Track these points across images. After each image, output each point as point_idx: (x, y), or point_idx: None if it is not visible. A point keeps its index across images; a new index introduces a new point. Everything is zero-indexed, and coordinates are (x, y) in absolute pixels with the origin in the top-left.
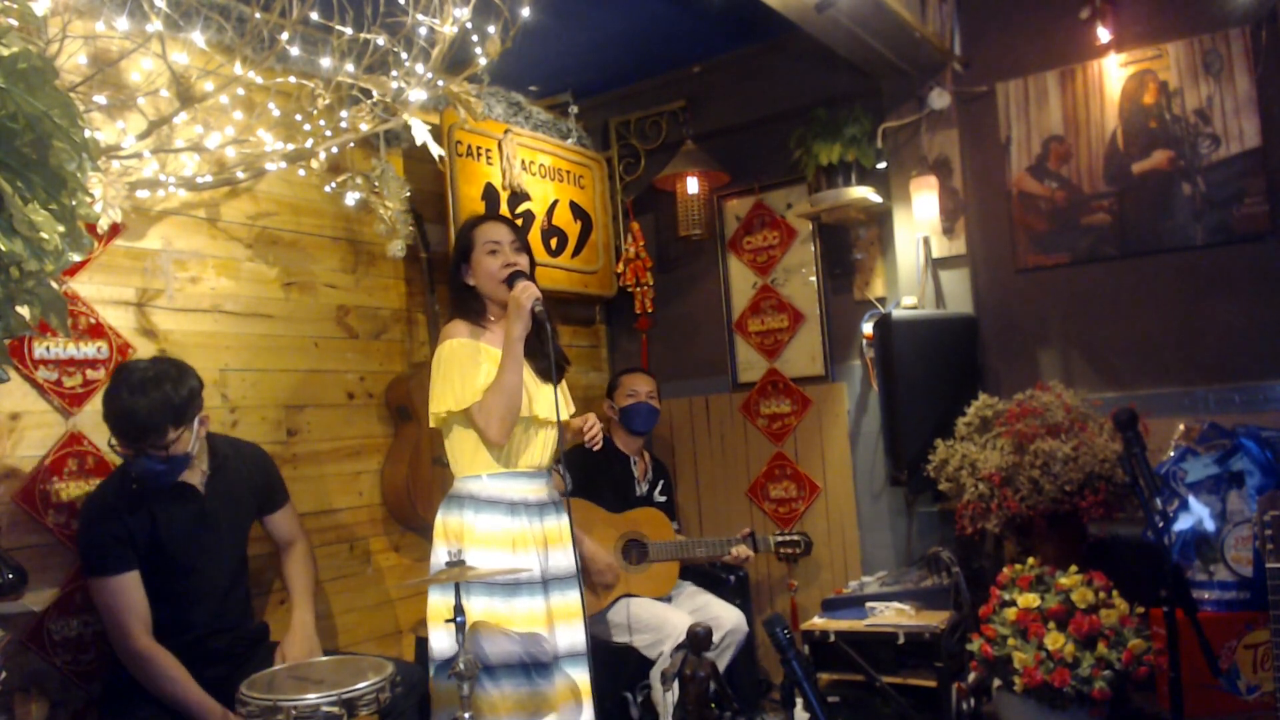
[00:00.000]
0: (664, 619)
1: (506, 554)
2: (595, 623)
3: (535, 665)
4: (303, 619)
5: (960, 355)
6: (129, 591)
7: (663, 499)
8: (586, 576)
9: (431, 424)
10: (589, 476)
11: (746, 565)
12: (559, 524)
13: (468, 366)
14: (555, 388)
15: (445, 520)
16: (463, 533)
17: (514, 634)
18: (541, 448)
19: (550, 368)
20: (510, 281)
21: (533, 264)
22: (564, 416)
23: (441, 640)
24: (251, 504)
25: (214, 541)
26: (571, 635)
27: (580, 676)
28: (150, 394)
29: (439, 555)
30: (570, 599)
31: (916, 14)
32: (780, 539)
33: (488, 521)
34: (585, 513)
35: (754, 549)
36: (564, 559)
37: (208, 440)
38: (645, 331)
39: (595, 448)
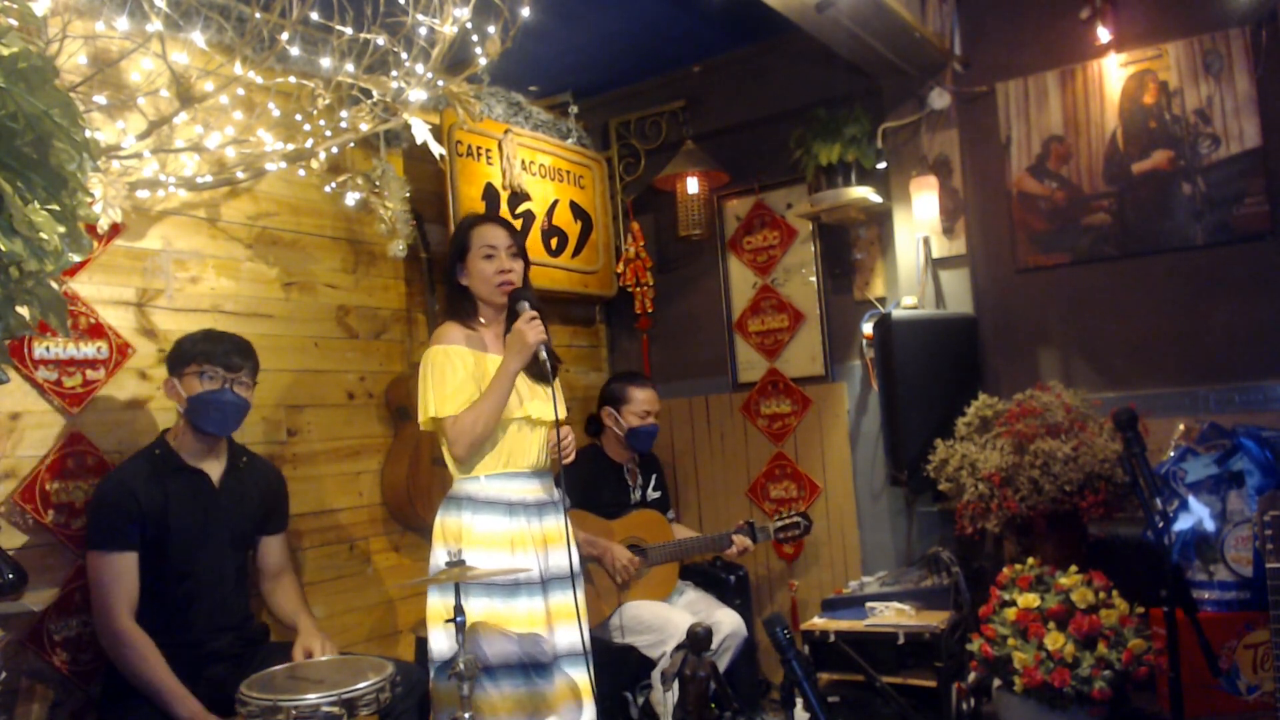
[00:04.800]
0: (665, 619)
1: (505, 554)
2: (597, 625)
3: (534, 666)
4: (311, 624)
5: (960, 355)
6: (123, 571)
7: (656, 494)
8: (610, 576)
9: (422, 427)
10: (584, 488)
11: (746, 558)
12: (558, 524)
13: (448, 374)
14: (556, 407)
15: (444, 521)
16: (461, 534)
17: (513, 634)
18: (538, 448)
19: (542, 374)
20: (513, 302)
21: (528, 266)
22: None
23: (441, 641)
24: (258, 513)
25: (218, 535)
26: (571, 635)
27: (580, 676)
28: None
29: (438, 556)
30: (570, 599)
31: (916, 14)
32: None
33: (486, 522)
34: (581, 523)
35: (753, 539)
36: (563, 559)
37: (228, 442)
38: (645, 331)
39: (566, 461)
